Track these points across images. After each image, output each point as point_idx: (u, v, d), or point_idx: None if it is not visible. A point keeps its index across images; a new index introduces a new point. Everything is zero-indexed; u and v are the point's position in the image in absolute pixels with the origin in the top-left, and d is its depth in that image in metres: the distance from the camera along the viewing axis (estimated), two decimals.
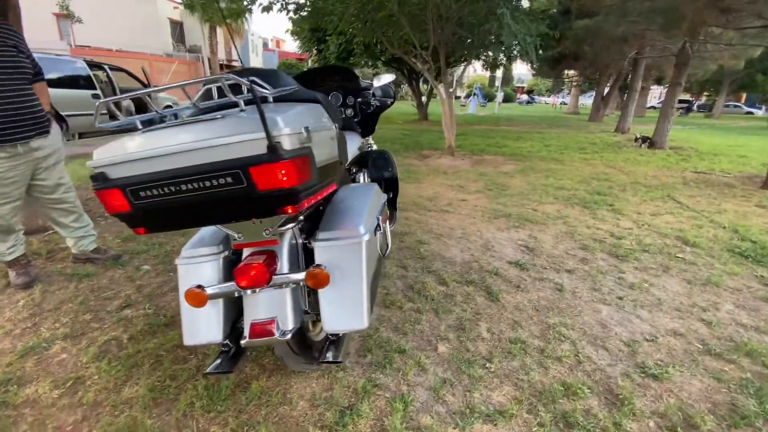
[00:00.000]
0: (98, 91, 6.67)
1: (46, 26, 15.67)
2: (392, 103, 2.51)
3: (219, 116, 0.98)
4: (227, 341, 1.28)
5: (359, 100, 2.37)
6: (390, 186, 2.64)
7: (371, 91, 2.40)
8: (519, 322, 2.02)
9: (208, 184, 0.92)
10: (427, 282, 2.36)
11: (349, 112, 2.44)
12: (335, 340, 1.30)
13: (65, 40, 15.26)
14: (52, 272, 2.23)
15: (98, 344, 1.61)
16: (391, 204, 2.69)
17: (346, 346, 1.29)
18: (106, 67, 7.18)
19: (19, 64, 1.90)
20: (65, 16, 16.73)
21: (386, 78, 2.37)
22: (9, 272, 2.06)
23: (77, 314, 1.83)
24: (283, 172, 0.91)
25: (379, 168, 2.52)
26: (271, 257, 1.23)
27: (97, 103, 1.11)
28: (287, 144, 0.93)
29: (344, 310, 1.23)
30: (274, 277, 1.18)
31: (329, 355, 1.23)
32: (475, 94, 23.16)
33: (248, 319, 1.22)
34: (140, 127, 1.07)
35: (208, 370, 1.22)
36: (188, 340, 1.27)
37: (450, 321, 2.00)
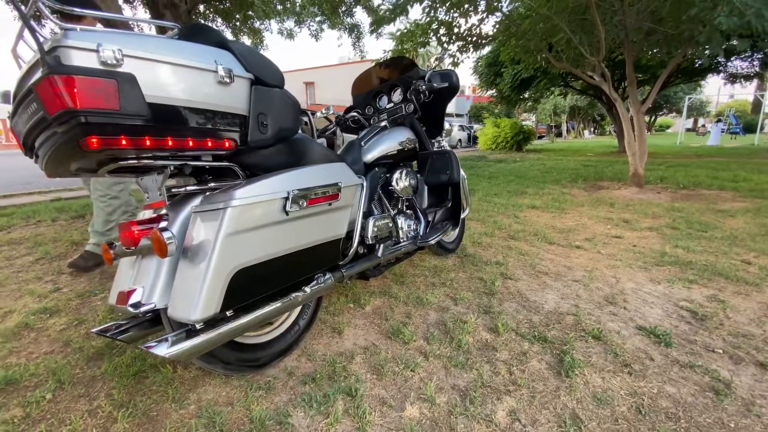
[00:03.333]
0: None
1: (299, 90, 22.39)
2: (449, 90, 2.04)
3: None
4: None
5: (411, 88, 2.04)
6: (451, 193, 2.12)
7: (426, 77, 2.02)
8: (582, 419, 1.15)
9: (31, 110, 0.88)
10: (470, 323, 1.69)
11: (410, 107, 2.13)
12: (189, 331, 1.01)
13: (308, 99, 21.17)
14: None
15: None
16: (452, 217, 2.15)
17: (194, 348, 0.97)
18: (308, 112, 9.14)
19: None
20: (311, 83, 22.88)
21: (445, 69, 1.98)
22: None
23: None
24: (62, 88, 0.77)
25: (436, 171, 2.07)
26: (157, 220, 1.09)
27: None
28: (76, 60, 0.79)
29: (184, 293, 0.96)
30: (142, 240, 1.04)
31: (154, 345, 0.96)
32: (719, 120, 17.34)
33: None
34: None
35: (94, 328, 1.16)
36: (109, 299, 1.26)
37: (459, 380, 1.33)
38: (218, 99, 1.01)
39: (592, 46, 4.83)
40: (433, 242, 1.94)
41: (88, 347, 1.46)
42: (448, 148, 2.39)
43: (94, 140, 0.83)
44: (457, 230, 2.67)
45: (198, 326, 0.99)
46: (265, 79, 1.14)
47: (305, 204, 1.14)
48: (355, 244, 1.44)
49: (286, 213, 1.10)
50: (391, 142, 1.92)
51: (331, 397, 1.21)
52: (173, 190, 1.12)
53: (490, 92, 12.88)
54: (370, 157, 1.82)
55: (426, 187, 2.17)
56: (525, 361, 1.44)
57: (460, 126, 20.94)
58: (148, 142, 0.90)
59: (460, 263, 2.46)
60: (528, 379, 1.34)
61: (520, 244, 2.86)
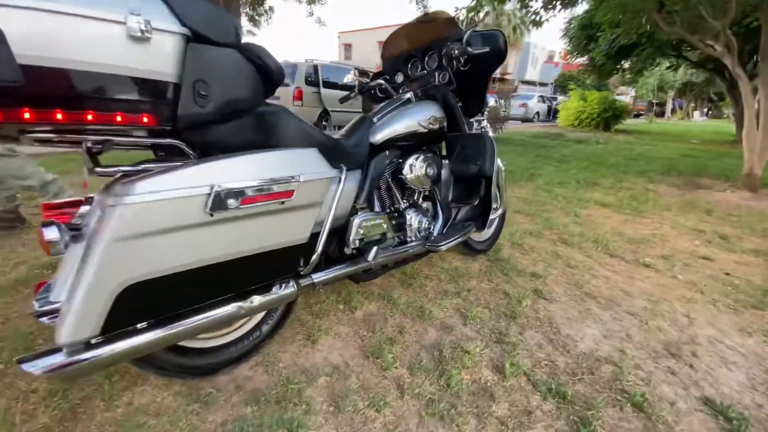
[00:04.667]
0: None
1: (372, 51, 21.82)
2: (493, 56, 1.59)
3: None
4: None
5: (444, 52, 1.63)
6: (483, 188, 1.74)
7: (464, 39, 1.60)
8: None
9: None
10: (472, 353, 1.38)
11: (444, 77, 1.74)
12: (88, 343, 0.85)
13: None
14: None
15: None
16: (478, 216, 1.78)
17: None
18: (369, 73, 8.67)
19: None
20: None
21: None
22: None
23: None
24: None
25: (464, 158, 1.69)
26: (78, 205, 0.94)
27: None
28: None
29: (64, 304, 0.79)
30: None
31: (38, 358, 0.81)
32: None
33: None
34: None
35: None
36: None
37: None
38: (128, 60, 0.78)
39: (716, 6, 3.75)
40: (444, 249, 1.60)
41: None
42: (489, 132, 1.97)
43: None
44: (493, 227, 2.27)
45: (95, 340, 0.84)
46: (208, 35, 0.87)
47: (238, 203, 0.90)
48: (318, 251, 1.17)
49: (210, 214, 0.86)
50: (409, 120, 1.57)
51: (266, 431, 1.02)
52: (97, 169, 0.93)
53: (581, 59, 11.22)
54: (379, 137, 1.50)
55: (453, 178, 1.80)
56: (526, 426, 1.11)
57: (541, 97, 18.91)
58: (27, 115, 0.71)
59: (488, 269, 2.09)
60: None
61: (571, 252, 2.37)
